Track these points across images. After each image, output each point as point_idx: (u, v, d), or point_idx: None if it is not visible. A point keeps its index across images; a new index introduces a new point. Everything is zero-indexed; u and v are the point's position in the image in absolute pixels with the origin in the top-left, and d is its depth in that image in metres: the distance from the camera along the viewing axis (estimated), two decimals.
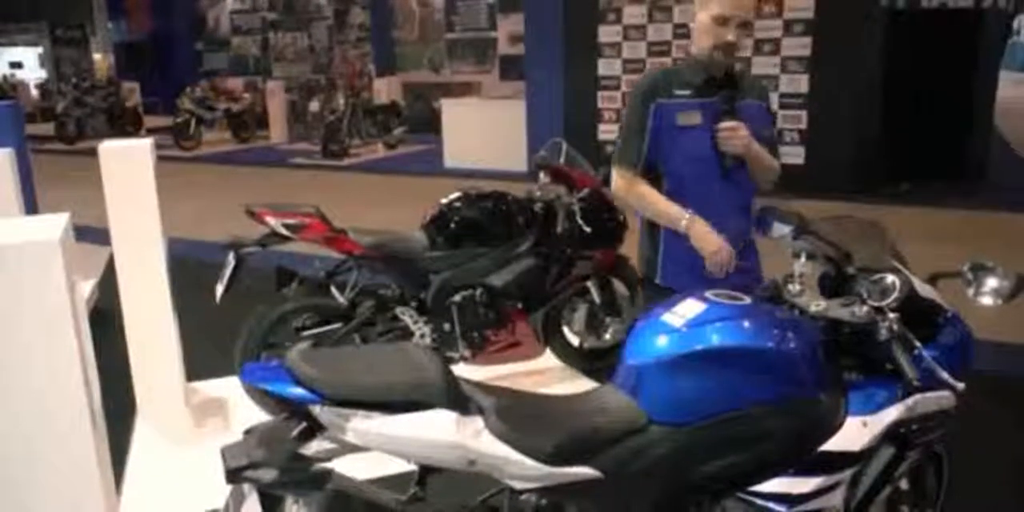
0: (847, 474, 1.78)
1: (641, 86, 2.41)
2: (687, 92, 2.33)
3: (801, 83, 8.41)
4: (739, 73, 2.43)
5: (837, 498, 1.78)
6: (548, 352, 3.87)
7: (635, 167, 2.43)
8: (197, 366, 3.67)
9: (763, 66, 8.53)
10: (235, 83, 16.46)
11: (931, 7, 8.36)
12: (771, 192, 2.59)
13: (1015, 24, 11.99)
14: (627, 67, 9.18)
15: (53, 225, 1.65)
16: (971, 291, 1.97)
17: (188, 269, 3.88)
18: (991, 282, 1.96)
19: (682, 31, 8.85)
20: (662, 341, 1.72)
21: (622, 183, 2.48)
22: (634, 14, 9.07)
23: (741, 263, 2.41)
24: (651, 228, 2.53)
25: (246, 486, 1.53)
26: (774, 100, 8.55)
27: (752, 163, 2.40)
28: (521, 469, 1.57)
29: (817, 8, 8.18)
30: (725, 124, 2.29)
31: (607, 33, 9.26)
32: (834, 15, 8.10)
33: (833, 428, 1.75)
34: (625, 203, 2.67)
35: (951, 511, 2.23)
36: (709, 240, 2.33)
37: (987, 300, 1.95)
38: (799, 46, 8.35)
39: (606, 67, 9.22)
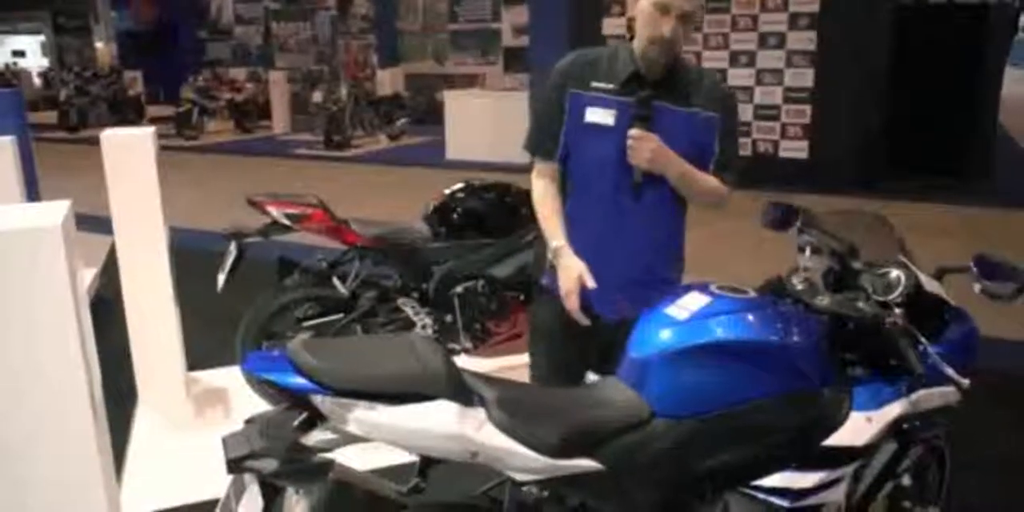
0: (850, 469, 1.78)
1: (560, 68, 2.05)
2: (608, 85, 1.99)
3: (806, 77, 8.38)
4: (685, 76, 2.04)
5: (839, 493, 1.77)
6: None
7: (551, 157, 2.09)
8: (198, 355, 3.67)
9: (768, 60, 8.51)
10: (238, 73, 16.44)
11: (937, 2, 8.32)
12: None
13: (1022, 20, 11.91)
14: None
15: (54, 212, 1.64)
16: (978, 287, 1.96)
17: (189, 258, 3.87)
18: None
19: None
20: (666, 334, 1.71)
21: (534, 177, 2.15)
22: None
23: (631, 306, 1.90)
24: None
25: (247, 476, 1.53)
26: (777, 94, 8.54)
27: (676, 184, 2.00)
28: (523, 461, 1.56)
29: (822, 2, 8.15)
30: (634, 131, 1.94)
31: (612, 25, 9.23)
32: (839, 9, 8.07)
33: (837, 422, 1.75)
34: None
35: (950, 508, 2.23)
36: (565, 276, 2.01)
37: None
38: (804, 40, 8.32)
39: None
